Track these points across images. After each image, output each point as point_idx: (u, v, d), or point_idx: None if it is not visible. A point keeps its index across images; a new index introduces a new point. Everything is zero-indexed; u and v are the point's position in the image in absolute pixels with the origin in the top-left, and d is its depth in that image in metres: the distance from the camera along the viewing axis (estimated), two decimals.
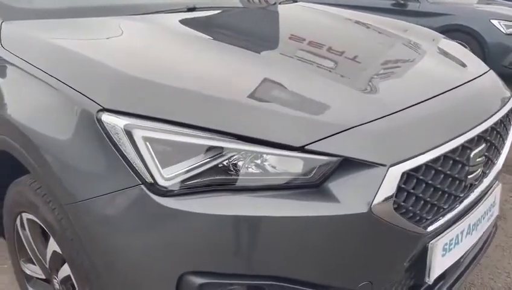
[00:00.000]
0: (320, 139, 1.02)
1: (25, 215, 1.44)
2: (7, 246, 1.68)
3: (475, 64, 1.68)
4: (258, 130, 1.03)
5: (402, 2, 6.00)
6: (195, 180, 1.00)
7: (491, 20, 5.49)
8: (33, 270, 1.59)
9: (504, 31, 5.44)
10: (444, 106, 1.26)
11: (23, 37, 1.44)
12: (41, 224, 1.34)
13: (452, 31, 5.37)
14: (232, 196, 1.01)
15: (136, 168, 1.01)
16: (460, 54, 1.81)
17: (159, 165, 1.00)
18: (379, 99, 1.21)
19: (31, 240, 1.47)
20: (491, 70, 1.65)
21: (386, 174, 1.02)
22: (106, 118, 1.05)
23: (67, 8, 1.70)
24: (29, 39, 1.42)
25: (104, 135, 1.04)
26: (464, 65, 1.65)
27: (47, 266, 1.46)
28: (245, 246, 1.01)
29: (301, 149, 1.01)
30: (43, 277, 1.54)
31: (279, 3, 2.35)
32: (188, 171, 1.00)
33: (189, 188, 1.00)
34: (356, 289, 1.08)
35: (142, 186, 1.00)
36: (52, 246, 1.33)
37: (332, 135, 1.03)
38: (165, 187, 1.00)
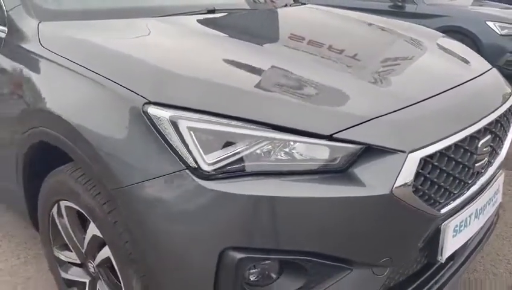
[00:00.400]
0: (346, 129, 1.14)
1: (63, 203, 1.54)
2: (40, 235, 1.78)
3: (479, 62, 1.81)
4: (290, 120, 1.14)
5: (400, 4, 6.15)
6: (233, 166, 1.12)
7: (487, 22, 5.65)
8: (67, 256, 1.69)
9: (499, 32, 5.60)
10: (454, 99, 1.38)
11: (62, 37, 1.55)
12: (80, 210, 1.45)
13: (449, 32, 5.52)
14: (266, 179, 1.12)
15: (181, 154, 1.12)
16: (464, 52, 1.94)
17: (202, 152, 1.11)
18: (396, 93, 1.33)
19: (69, 226, 1.57)
20: (494, 68, 1.77)
21: (405, 160, 1.13)
22: (152, 110, 1.16)
23: (96, 10, 1.81)
24: (68, 38, 1.53)
25: (150, 126, 1.15)
26: (468, 63, 1.78)
27: (83, 251, 1.56)
28: (278, 224, 1.11)
29: (329, 137, 1.12)
30: (78, 261, 1.64)
31: (290, 5, 2.47)
32: (227, 157, 1.11)
33: (228, 173, 1.11)
34: (378, 264, 1.20)
35: (187, 171, 1.11)
36: (92, 230, 1.43)
37: (357, 124, 1.15)
38: (207, 171, 1.11)
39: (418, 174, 1.17)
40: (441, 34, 2.30)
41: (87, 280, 1.62)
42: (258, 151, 1.12)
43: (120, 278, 1.37)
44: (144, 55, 1.36)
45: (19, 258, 2.24)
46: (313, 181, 1.13)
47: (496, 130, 1.47)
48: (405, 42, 1.94)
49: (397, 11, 6.14)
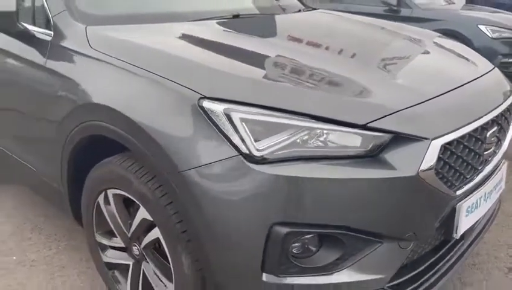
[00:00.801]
0: (378, 119, 1.31)
1: (111, 192, 1.69)
2: (84, 222, 1.91)
3: (482, 62, 2.00)
4: (328, 111, 1.31)
5: (395, 8, 6.36)
6: (280, 151, 1.28)
7: (479, 26, 5.87)
8: (110, 241, 1.84)
9: (490, 36, 5.83)
10: (466, 94, 1.56)
11: (111, 39, 1.70)
12: (129, 197, 1.60)
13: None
14: (307, 163, 1.28)
15: (235, 142, 1.28)
16: (468, 53, 2.13)
17: (252, 140, 1.27)
18: (416, 88, 1.51)
19: (116, 213, 1.71)
20: (496, 68, 1.96)
21: (429, 146, 1.30)
22: (207, 104, 1.32)
23: (133, 15, 1.97)
24: (116, 40, 1.69)
25: (206, 118, 1.31)
26: (474, 62, 1.97)
27: (129, 235, 1.71)
28: (319, 202, 1.28)
29: (363, 127, 1.29)
30: (122, 245, 1.78)
31: (303, 11, 2.65)
32: (274, 144, 1.28)
33: (275, 158, 1.27)
34: (404, 238, 1.37)
35: (240, 156, 1.27)
36: (142, 214, 1.58)
37: (387, 115, 1.32)
38: (258, 157, 1.27)
39: (439, 159, 1.34)
40: (444, 36, 2.49)
41: (130, 262, 1.77)
42: (300, 139, 1.29)
43: (169, 256, 1.52)
44: (192, 55, 1.53)
45: (50, 249, 2.38)
46: (349, 165, 1.29)
47: (501, 122, 1.66)
48: (416, 43, 2.13)
49: (392, 15, 6.34)
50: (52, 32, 1.86)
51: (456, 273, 1.81)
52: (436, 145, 1.32)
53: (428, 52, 2.05)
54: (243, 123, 1.29)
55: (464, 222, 1.52)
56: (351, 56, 1.80)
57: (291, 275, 1.33)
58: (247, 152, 1.27)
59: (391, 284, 1.41)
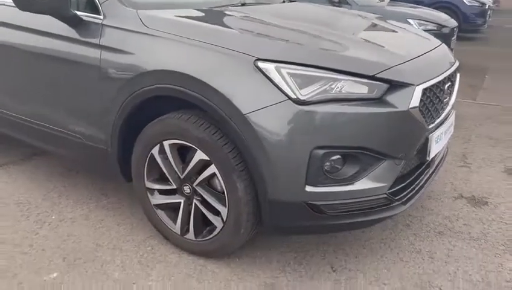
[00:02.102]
0: (380, 72, 1.87)
1: (167, 142, 2.11)
2: (134, 173, 2.31)
3: (432, 38, 2.67)
4: (348, 66, 1.85)
5: (337, 4, 7.11)
6: (316, 96, 1.80)
7: (408, 20, 6.76)
8: (161, 185, 2.25)
9: (418, 28, 6.75)
10: (430, 58, 2.19)
11: (160, 19, 2.14)
12: (187, 144, 2.03)
13: None
14: (335, 104, 1.82)
15: (285, 90, 1.79)
16: (419, 31, 2.79)
17: (298, 88, 1.79)
18: (399, 53, 2.10)
19: (172, 159, 2.14)
20: (443, 43, 2.63)
21: (414, 90, 1.89)
22: (261, 64, 1.82)
23: (164, 2, 2.42)
24: (165, 20, 2.14)
25: (261, 74, 1.81)
26: (427, 38, 2.63)
27: (182, 176, 2.14)
28: (344, 130, 1.81)
29: (372, 77, 1.86)
30: (172, 187, 2.21)
31: (287, 1, 3.20)
32: (312, 91, 1.80)
33: (313, 100, 1.80)
34: (398, 157, 1.94)
35: (289, 100, 1.78)
36: (198, 156, 2.03)
37: (385, 69, 1.89)
38: (302, 100, 1.79)
39: (420, 100, 1.94)
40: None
41: (181, 200, 2.20)
42: (329, 87, 1.82)
43: (223, 185, 1.99)
44: (237, 29, 2.04)
45: (83, 209, 2.72)
46: (363, 104, 1.84)
47: (452, 80, 2.31)
48: (384, 24, 2.76)
49: None
50: (101, 16, 2.24)
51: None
52: (418, 90, 1.92)
53: (395, 30, 2.69)
54: (290, 76, 1.80)
55: (433, 148, 2.13)
56: (347, 32, 2.38)
57: (325, 185, 1.87)
58: (294, 97, 1.79)
59: (389, 191, 1.98)
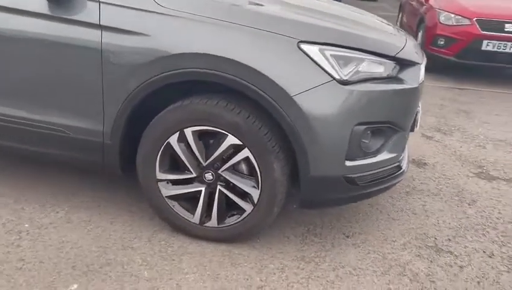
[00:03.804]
0: (398, 52, 2.08)
1: (190, 129, 2.01)
2: (141, 165, 2.14)
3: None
4: (373, 48, 2.01)
5: None
6: (354, 76, 1.93)
7: None
8: (175, 175, 2.14)
9: None
10: (414, 45, 2.46)
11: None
12: (217, 129, 1.98)
13: None
14: (369, 83, 1.97)
15: (329, 71, 1.87)
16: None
17: (340, 68, 1.89)
18: (395, 38, 2.33)
19: (195, 147, 2.04)
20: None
21: (420, 68, 2.15)
22: (304, 46, 1.87)
23: None
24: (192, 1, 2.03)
25: (305, 55, 1.86)
26: (399, 29, 2.93)
27: (204, 164, 2.07)
28: (377, 106, 1.98)
29: (393, 57, 2.05)
30: (190, 176, 2.12)
31: None
32: (351, 71, 1.92)
33: (352, 80, 1.92)
34: (407, 129, 2.19)
35: (334, 80, 1.88)
36: (229, 141, 1.99)
37: (401, 50, 2.10)
38: (344, 80, 1.90)
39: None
40: None
41: (202, 188, 2.13)
42: (362, 67, 1.96)
43: (258, 168, 1.99)
44: (272, 12, 2.07)
45: (57, 212, 2.41)
46: (387, 82, 2.04)
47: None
48: (366, 13, 2.98)
49: None
50: None
51: None
52: (423, 68, 2.18)
53: (379, 19, 2.90)
54: (333, 58, 1.89)
55: (419, 120, 2.45)
56: (350, 17, 2.53)
57: (359, 159, 2.02)
58: (338, 77, 1.89)
59: (398, 161, 2.23)
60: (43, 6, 2.01)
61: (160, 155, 2.10)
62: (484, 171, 3.32)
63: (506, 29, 5.75)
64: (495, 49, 5.79)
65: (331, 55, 1.89)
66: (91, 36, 1.98)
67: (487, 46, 5.80)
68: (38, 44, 2.04)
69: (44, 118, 2.17)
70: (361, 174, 2.05)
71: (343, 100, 1.90)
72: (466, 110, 4.85)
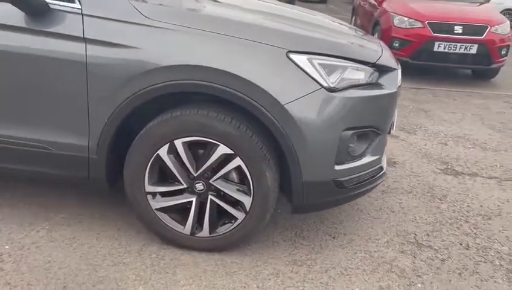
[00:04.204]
0: (378, 58, 2.17)
1: (180, 141, 2.00)
2: (129, 178, 2.10)
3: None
4: (356, 55, 2.09)
5: None
6: (340, 83, 2.00)
7: None
8: (164, 187, 2.12)
9: None
10: (389, 53, 2.58)
11: (172, 11, 2.06)
12: (207, 140, 1.98)
13: None
14: (353, 89, 2.04)
15: (318, 80, 1.93)
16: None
17: (327, 77, 1.95)
18: (371, 46, 2.43)
19: (185, 158, 2.04)
20: None
21: (398, 73, 2.26)
22: (293, 56, 1.92)
23: None
24: (182, 12, 2.09)
25: (294, 65, 1.91)
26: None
27: (195, 174, 2.07)
28: (363, 111, 2.06)
29: (373, 64, 2.14)
30: (180, 187, 2.11)
31: None
32: (336, 79, 1.99)
33: (339, 87, 1.99)
34: (386, 131, 2.29)
35: (322, 88, 1.94)
36: (220, 151, 2.00)
37: (379, 57, 2.20)
38: (331, 87, 1.96)
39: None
40: None
41: (193, 199, 2.13)
42: (345, 75, 2.03)
43: (250, 176, 2.02)
44: (256, 20, 2.12)
45: (37, 231, 2.33)
46: (370, 88, 2.12)
47: None
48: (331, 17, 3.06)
49: None
50: (78, 5, 1.95)
51: None
52: (399, 73, 2.29)
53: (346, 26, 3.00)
54: (320, 67, 1.95)
55: (395, 121, 2.56)
56: (325, 25, 2.61)
57: (347, 163, 2.10)
58: (326, 85, 1.95)
59: (380, 162, 2.33)
60: (22, 20, 1.94)
61: (149, 167, 2.08)
62: (449, 167, 3.51)
63: (455, 31, 6.09)
64: (446, 50, 6.12)
65: (318, 63, 1.95)
66: (75, 49, 1.94)
67: (439, 47, 6.11)
68: (18, 59, 1.97)
69: (25, 135, 2.09)
70: (348, 177, 2.12)
71: (331, 107, 1.97)
72: (424, 109, 5.10)
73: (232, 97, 1.92)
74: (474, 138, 4.24)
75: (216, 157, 2.03)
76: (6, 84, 2.05)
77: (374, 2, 7.30)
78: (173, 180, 2.12)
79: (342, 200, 2.28)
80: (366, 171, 2.21)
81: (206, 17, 2.08)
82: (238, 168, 2.04)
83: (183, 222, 2.17)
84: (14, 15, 1.94)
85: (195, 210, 2.14)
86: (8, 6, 1.88)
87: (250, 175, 2.03)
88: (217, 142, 1.99)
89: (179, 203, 2.15)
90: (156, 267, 2.11)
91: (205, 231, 2.17)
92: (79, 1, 1.95)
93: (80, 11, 1.95)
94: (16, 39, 1.96)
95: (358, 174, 2.17)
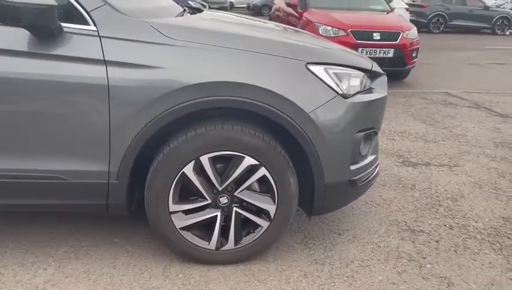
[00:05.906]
0: (372, 65, 2.39)
1: (206, 156, 2.03)
2: (152, 200, 2.06)
3: None
4: (357, 63, 2.29)
5: None
6: (351, 90, 2.17)
7: None
8: (189, 204, 2.12)
9: None
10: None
11: (190, 29, 2.11)
12: (233, 153, 2.03)
13: None
14: (360, 94, 2.23)
15: (334, 88, 2.09)
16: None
17: (341, 85, 2.12)
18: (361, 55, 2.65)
19: (211, 173, 2.06)
20: None
21: (385, 79, 2.50)
22: (311, 66, 2.05)
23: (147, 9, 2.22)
24: (199, 30, 2.12)
25: (313, 75, 2.05)
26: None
27: (220, 188, 2.10)
28: (369, 114, 2.25)
29: (370, 71, 2.35)
30: (205, 202, 2.12)
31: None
32: (347, 86, 2.16)
33: (350, 93, 2.16)
34: (379, 130, 2.52)
35: (338, 96, 2.09)
36: (247, 163, 2.05)
37: (372, 64, 2.42)
38: (345, 94, 2.13)
39: None
40: None
41: (218, 213, 2.15)
42: (352, 82, 2.22)
43: (275, 184, 2.11)
44: (273, 35, 2.22)
45: (45, 269, 2.19)
46: (367, 92, 2.32)
47: None
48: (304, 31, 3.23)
49: None
50: (94, 27, 1.89)
51: None
52: (385, 78, 2.54)
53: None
54: (335, 75, 2.11)
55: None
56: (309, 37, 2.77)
57: (358, 162, 2.27)
58: (341, 92, 2.11)
59: (378, 160, 2.55)
60: (38, 46, 1.83)
61: (174, 186, 2.07)
62: (406, 159, 3.88)
63: (374, 38, 6.68)
64: (368, 55, 6.67)
65: (333, 73, 2.11)
66: (95, 72, 1.87)
67: (361, 53, 6.65)
68: (33, 85, 1.85)
69: (37, 167, 1.95)
70: (359, 176, 2.30)
71: (346, 112, 2.13)
72: None
73: (260, 110, 1.99)
74: (414, 132, 4.71)
75: (242, 169, 2.08)
76: (12, 114, 1.91)
77: (295, 13, 7.70)
78: (196, 196, 2.13)
79: (351, 198, 2.45)
80: (371, 169, 2.41)
81: (227, 35, 2.13)
82: (262, 178, 2.11)
83: (207, 238, 2.19)
84: (24, 39, 1.82)
85: (220, 224, 2.16)
86: (15, 30, 1.77)
87: (275, 183, 2.11)
88: (243, 155, 2.05)
89: (203, 219, 2.16)
90: (188, 286, 2.09)
91: (230, 244, 2.20)
92: (93, 23, 1.89)
93: (96, 33, 1.89)
94: (29, 65, 1.84)
95: (365, 173, 2.35)
